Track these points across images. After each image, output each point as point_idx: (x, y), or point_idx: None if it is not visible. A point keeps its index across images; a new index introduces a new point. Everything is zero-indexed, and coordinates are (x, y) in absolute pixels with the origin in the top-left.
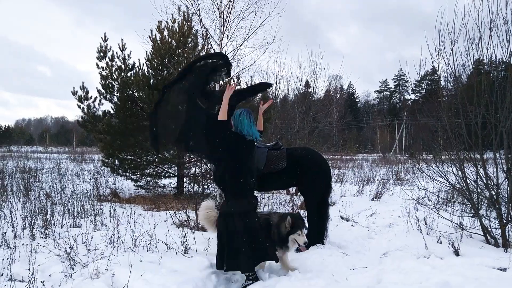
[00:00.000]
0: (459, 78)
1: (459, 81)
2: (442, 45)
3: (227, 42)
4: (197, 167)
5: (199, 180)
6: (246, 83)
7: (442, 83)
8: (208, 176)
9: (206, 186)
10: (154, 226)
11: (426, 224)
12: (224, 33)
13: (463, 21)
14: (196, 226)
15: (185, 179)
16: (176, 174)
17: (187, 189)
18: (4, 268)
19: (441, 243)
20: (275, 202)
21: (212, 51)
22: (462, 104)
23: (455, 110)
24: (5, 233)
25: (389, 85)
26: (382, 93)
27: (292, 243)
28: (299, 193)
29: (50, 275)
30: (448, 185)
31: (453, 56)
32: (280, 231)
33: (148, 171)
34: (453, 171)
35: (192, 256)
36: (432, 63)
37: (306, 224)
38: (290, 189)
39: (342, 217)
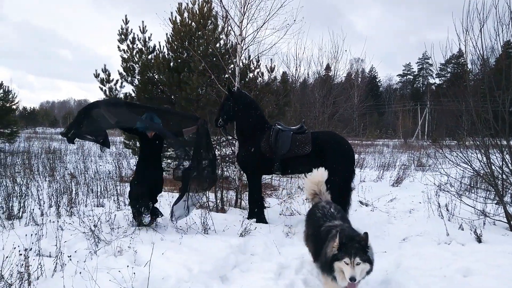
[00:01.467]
0: (487, 61)
1: (487, 64)
2: (470, 26)
3: (247, 24)
4: (216, 150)
5: (218, 163)
6: (265, 66)
7: (469, 66)
8: (227, 159)
9: (225, 169)
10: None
11: (447, 210)
12: (244, 15)
13: (493, 0)
14: (215, 207)
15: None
16: None
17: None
18: (32, 243)
19: (463, 229)
20: (294, 186)
21: (232, 33)
22: (489, 88)
23: (482, 95)
24: (33, 210)
25: (412, 68)
26: (405, 77)
27: (340, 274)
28: None
29: (75, 251)
30: (472, 171)
31: (481, 37)
32: (326, 252)
33: (169, 153)
34: (477, 157)
35: (212, 236)
36: (459, 45)
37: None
38: None
39: (361, 202)
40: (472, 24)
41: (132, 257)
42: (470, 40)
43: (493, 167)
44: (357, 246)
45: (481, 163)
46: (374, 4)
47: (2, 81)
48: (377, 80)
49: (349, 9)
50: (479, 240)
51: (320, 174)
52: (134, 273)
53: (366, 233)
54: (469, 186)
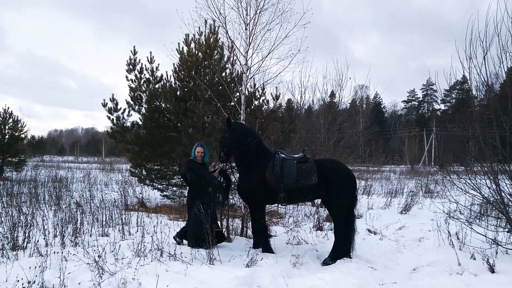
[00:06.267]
0: (491, 87)
1: (492, 90)
2: (474, 53)
3: (252, 54)
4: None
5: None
6: (271, 93)
7: (474, 92)
8: (232, 186)
9: (230, 197)
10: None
11: (458, 238)
12: (249, 45)
13: (496, 29)
14: None
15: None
16: None
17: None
18: (36, 275)
19: (474, 259)
20: (300, 213)
21: (238, 63)
22: (495, 114)
23: (488, 120)
24: (38, 241)
25: (417, 94)
26: (410, 103)
27: None
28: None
29: (79, 283)
30: (481, 198)
31: (485, 64)
32: None
33: (174, 181)
34: (486, 184)
35: (217, 267)
36: (463, 72)
37: None
38: (316, 200)
39: (369, 230)
40: (476, 51)
41: None
42: (474, 67)
43: (503, 194)
44: None
45: (491, 190)
46: (371, 30)
47: (12, 111)
48: (382, 106)
49: (345, 35)
50: (492, 270)
51: None
52: None
53: None
54: (479, 214)
